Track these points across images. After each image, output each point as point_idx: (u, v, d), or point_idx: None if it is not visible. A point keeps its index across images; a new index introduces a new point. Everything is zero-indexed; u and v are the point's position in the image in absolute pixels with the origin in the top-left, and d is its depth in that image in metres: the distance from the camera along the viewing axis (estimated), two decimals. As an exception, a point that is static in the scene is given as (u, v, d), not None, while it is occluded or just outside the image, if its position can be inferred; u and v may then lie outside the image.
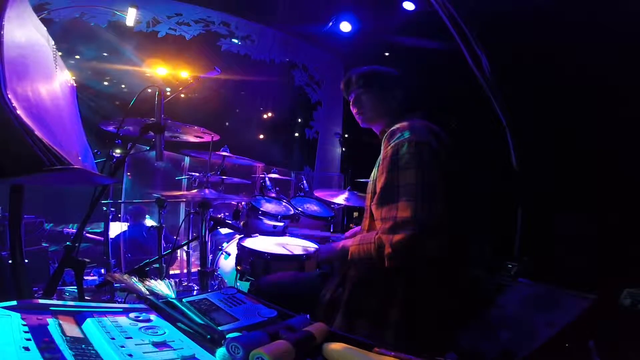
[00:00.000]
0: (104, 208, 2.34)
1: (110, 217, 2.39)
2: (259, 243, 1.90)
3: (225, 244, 2.60)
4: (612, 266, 2.21)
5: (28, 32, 0.77)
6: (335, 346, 0.57)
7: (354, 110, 1.38)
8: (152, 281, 0.77)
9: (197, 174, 2.85)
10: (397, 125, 1.16)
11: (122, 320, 0.61)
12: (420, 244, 0.98)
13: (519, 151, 3.21)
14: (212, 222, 1.86)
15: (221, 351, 0.53)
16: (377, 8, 3.83)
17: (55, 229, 3.18)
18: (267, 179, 2.90)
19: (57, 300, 0.68)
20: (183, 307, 0.69)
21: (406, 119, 1.22)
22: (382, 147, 1.18)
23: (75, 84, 1.13)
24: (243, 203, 2.49)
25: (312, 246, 1.94)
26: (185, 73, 3.76)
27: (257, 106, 5.61)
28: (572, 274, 2.23)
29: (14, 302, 0.56)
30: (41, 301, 0.60)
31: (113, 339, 0.53)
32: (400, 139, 1.09)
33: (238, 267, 1.85)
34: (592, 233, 2.51)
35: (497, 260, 2.71)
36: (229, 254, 2.44)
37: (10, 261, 0.95)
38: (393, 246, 0.99)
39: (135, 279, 0.78)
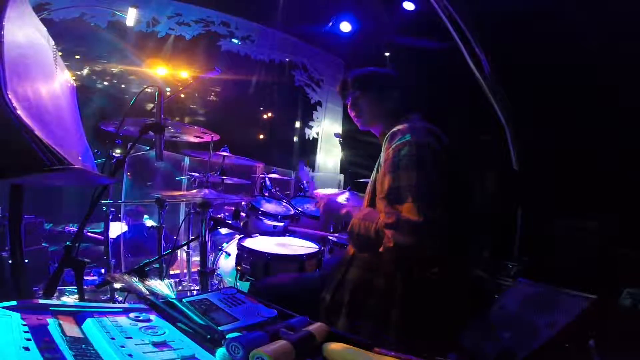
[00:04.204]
0: (104, 208, 2.34)
1: (110, 217, 2.38)
2: (259, 243, 1.90)
3: (225, 244, 2.60)
4: (612, 266, 2.21)
5: (28, 32, 0.77)
6: (335, 346, 0.57)
7: (351, 114, 1.35)
8: (152, 281, 0.77)
9: (197, 174, 2.85)
10: (398, 127, 1.16)
11: (122, 320, 0.61)
12: (421, 245, 0.98)
13: (519, 151, 3.21)
14: (212, 222, 1.86)
15: (221, 351, 0.53)
16: (377, 8, 3.83)
17: (55, 229, 3.17)
18: (267, 179, 2.90)
19: (57, 300, 0.68)
20: (183, 307, 0.69)
21: (406, 120, 1.22)
22: (382, 149, 1.17)
23: (75, 84, 1.13)
24: (243, 203, 2.49)
25: (312, 246, 1.94)
26: (185, 73, 3.76)
27: (257, 106, 5.61)
28: (572, 274, 2.23)
29: (14, 302, 0.56)
30: (41, 301, 0.60)
31: (113, 339, 0.53)
32: (401, 141, 1.09)
33: (238, 267, 1.85)
34: (592, 233, 2.51)
35: (497, 261, 2.72)
36: (229, 254, 2.43)
37: (10, 261, 0.95)
38: (394, 239, 1.00)
39: (135, 279, 0.78)
